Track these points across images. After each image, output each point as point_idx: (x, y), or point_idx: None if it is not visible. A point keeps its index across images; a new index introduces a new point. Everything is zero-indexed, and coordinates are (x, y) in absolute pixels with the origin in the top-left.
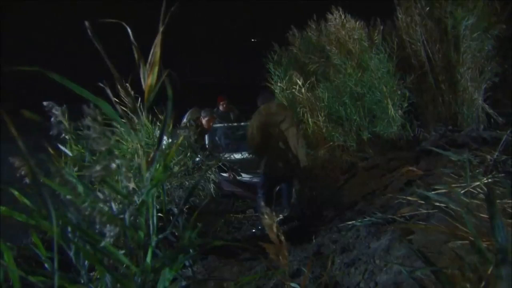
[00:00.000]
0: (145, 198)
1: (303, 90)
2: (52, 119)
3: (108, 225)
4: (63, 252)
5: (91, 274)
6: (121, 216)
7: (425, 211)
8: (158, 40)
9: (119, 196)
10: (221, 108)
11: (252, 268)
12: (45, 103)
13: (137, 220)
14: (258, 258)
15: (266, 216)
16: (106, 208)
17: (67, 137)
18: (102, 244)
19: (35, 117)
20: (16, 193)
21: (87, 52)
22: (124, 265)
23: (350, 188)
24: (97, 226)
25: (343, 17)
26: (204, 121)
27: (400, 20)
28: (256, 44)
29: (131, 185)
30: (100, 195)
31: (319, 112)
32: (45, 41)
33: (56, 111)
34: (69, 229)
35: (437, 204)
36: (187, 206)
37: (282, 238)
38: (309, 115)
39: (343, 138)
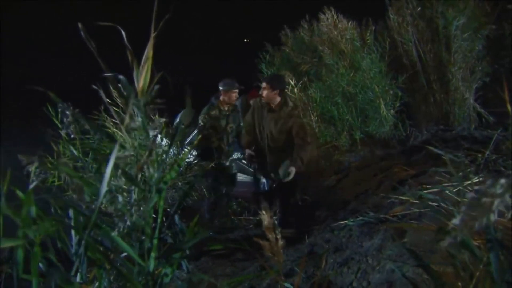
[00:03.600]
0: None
1: (295, 90)
2: (65, 120)
3: (120, 216)
4: (58, 253)
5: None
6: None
7: (417, 210)
8: (150, 43)
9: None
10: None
11: (245, 268)
12: (60, 105)
13: (146, 215)
14: (251, 259)
15: (264, 214)
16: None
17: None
18: (113, 234)
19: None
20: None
21: (82, 51)
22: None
23: (343, 188)
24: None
25: (335, 17)
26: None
27: (392, 20)
28: (248, 44)
29: (155, 174)
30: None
31: (312, 112)
32: (43, 41)
33: (69, 112)
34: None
35: (429, 203)
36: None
37: (279, 236)
38: (301, 115)
39: (335, 138)
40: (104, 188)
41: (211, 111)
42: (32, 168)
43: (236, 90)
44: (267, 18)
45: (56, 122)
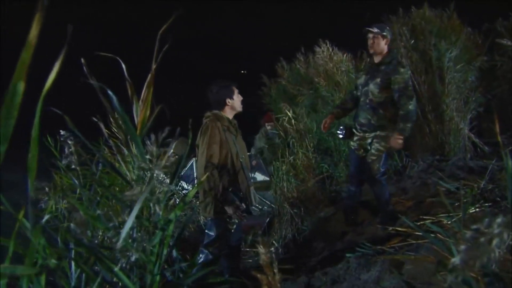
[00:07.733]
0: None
1: (293, 121)
2: (66, 149)
3: (123, 252)
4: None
5: None
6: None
7: (414, 242)
8: (150, 78)
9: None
10: (269, 128)
11: None
12: (61, 133)
13: (151, 250)
14: None
15: (261, 247)
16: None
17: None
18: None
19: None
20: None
21: (79, 83)
22: None
23: (340, 219)
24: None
25: (330, 49)
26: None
27: None
28: (245, 75)
29: (160, 212)
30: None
31: (308, 143)
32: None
33: (71, 141)
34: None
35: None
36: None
37: (276, 270)
38: (298, 146)
39: (332, 168)
40: (126, 230)
41: None
42: (47, 200)
43: None
44: (264, 50)
45: (55, 152)
